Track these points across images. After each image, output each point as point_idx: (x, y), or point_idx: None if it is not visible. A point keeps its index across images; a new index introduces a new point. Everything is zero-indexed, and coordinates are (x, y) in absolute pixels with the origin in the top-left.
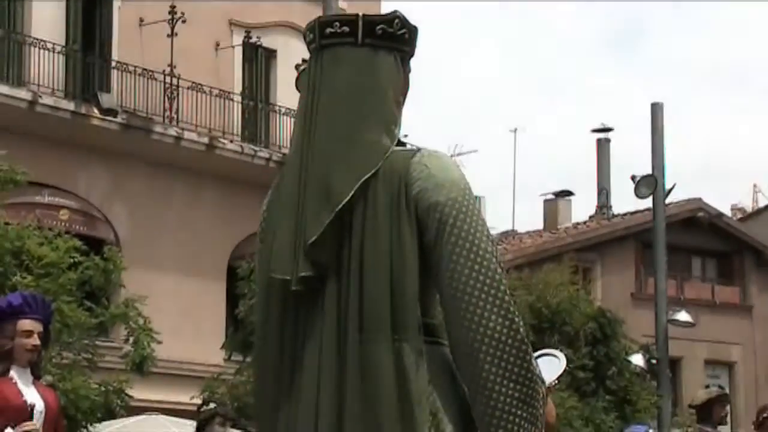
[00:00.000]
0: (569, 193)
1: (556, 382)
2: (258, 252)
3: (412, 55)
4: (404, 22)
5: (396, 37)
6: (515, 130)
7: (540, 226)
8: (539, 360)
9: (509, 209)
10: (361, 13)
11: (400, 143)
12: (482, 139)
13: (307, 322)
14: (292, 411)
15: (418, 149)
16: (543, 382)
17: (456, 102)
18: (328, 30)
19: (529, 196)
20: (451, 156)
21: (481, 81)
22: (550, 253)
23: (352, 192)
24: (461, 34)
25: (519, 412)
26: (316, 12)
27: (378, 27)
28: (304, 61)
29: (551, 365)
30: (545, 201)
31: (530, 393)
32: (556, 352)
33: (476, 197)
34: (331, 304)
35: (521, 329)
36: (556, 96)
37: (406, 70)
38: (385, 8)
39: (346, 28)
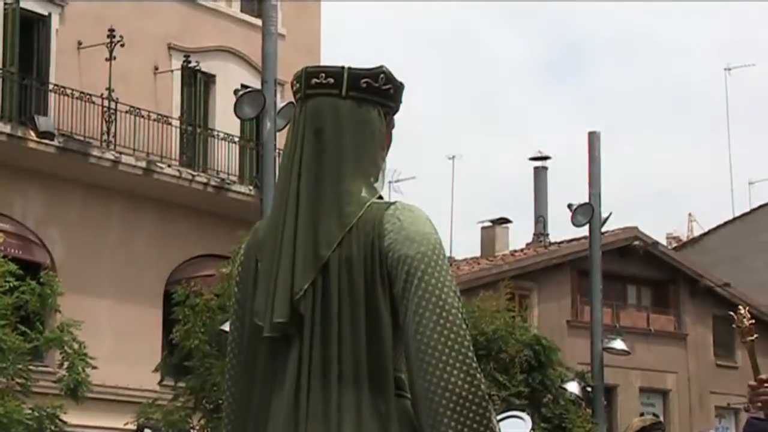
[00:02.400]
0: (507, 221)
1: None
2: (235, 295)
3: (396, 111)
4: (389, 77)
5: (380, 92)
6: (453, 158)
7: (477, 253)
8: (505, 421)
9: (447, 236)
10: (346, 66)
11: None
12: (420, 166)
13: (281, 369)
14: None
15: (394, 202)
16: None
17: (394, 128)
18: (314, 80)
19: (467, 224)
20: (389, 182)
21: (420, 108)
22: (486, 280)
23: (333, 247)
24: (400, 61)
25: None
26: (255, 37)
27: (363, 80)
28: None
29: (516, 427)
30: (483, 228)
31: None
32: (523, 414)
33: (446, 254)
34: (306, 354)
35: (482, 386)
36: (494, 124)
37: (389, 124)
38: (325, 34)
39: (331, 80)
